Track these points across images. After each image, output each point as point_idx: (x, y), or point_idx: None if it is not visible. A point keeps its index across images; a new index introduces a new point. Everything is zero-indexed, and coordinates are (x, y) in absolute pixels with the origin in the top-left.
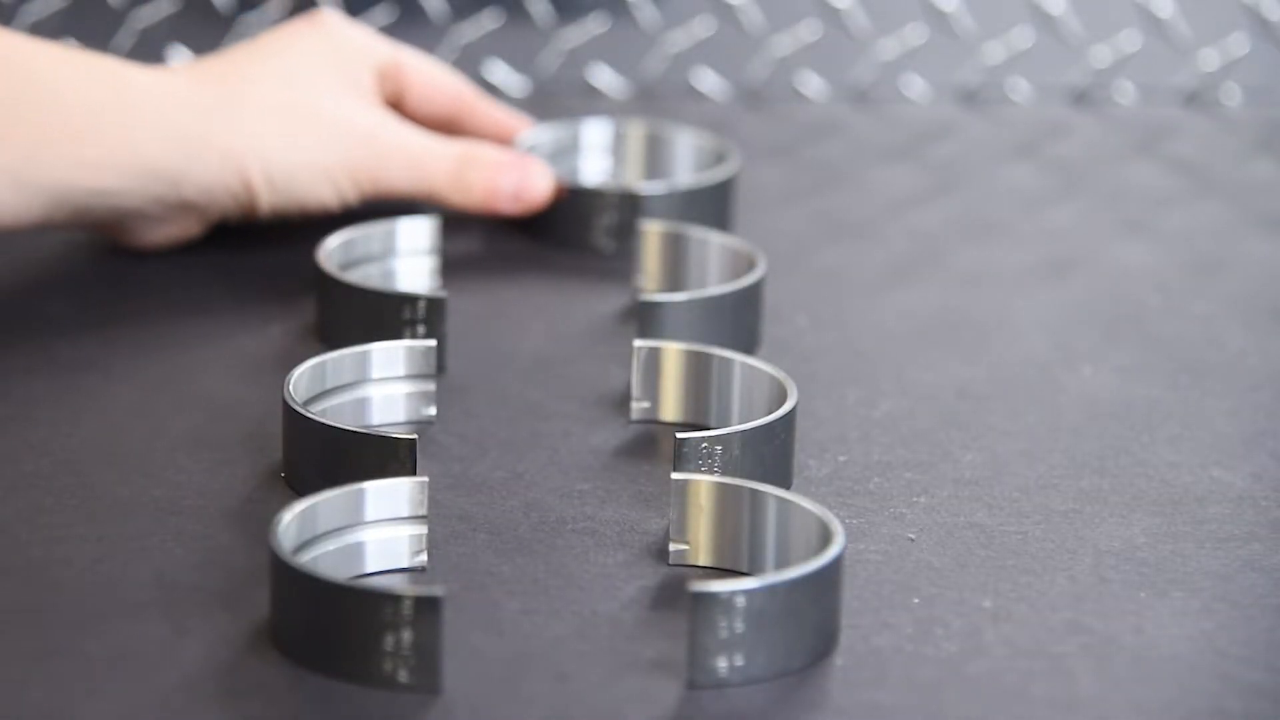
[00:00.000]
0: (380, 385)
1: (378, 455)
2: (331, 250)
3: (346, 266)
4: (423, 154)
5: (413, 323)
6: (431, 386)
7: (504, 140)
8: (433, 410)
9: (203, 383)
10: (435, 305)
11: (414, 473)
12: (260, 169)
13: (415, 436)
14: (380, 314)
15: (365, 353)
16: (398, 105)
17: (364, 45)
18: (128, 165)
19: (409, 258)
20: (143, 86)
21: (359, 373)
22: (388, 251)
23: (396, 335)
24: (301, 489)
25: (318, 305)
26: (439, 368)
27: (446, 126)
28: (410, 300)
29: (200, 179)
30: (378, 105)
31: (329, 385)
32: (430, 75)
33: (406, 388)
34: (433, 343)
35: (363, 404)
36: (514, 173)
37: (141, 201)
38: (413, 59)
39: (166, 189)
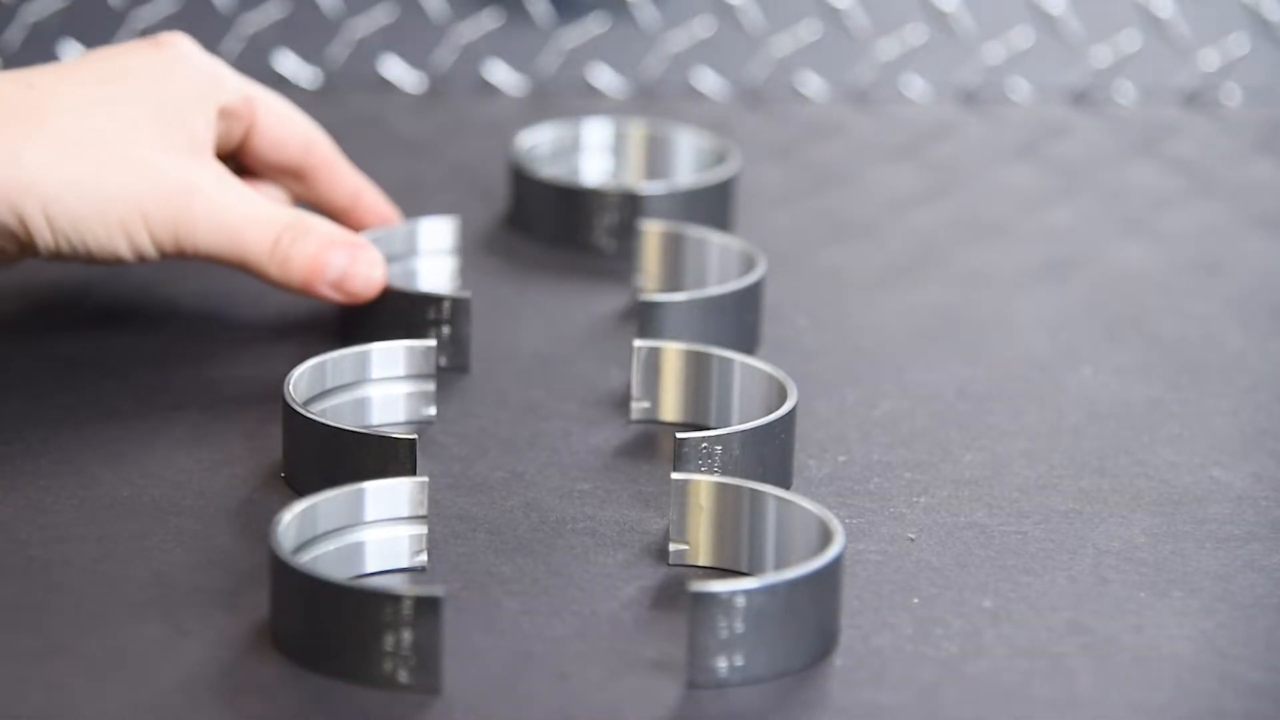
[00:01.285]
0: (380, 385)
1: (378, 455)
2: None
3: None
4: (239, 218)
5: (437, 323)
6: (431, 386)
7: (353, 214)
8: (433, 410)
9: (207, 381)
10: (460, 305)
11: (414, 473)
12: (39, 210)
13: (415, 436)
14: (405, 314)
15: (365, 353)
16: (241, 149)
17: (207, 78)
18: None
19: (430, 257)
20: None
21: (359, 373)
22: (409, 251)
23: (422, 335)
24: (301, 489)
25: (340, 306)
26: (463, 368)
27: (293, 181)
28: (435, 300)
29: None
30: (202, 153)
31: (329, 385)
32: (283, 120)
33: (406, 388)
34: (433, 343)
35: (363, 404)
36: (342, 255)
37: None
38: (266, 97)
39: None
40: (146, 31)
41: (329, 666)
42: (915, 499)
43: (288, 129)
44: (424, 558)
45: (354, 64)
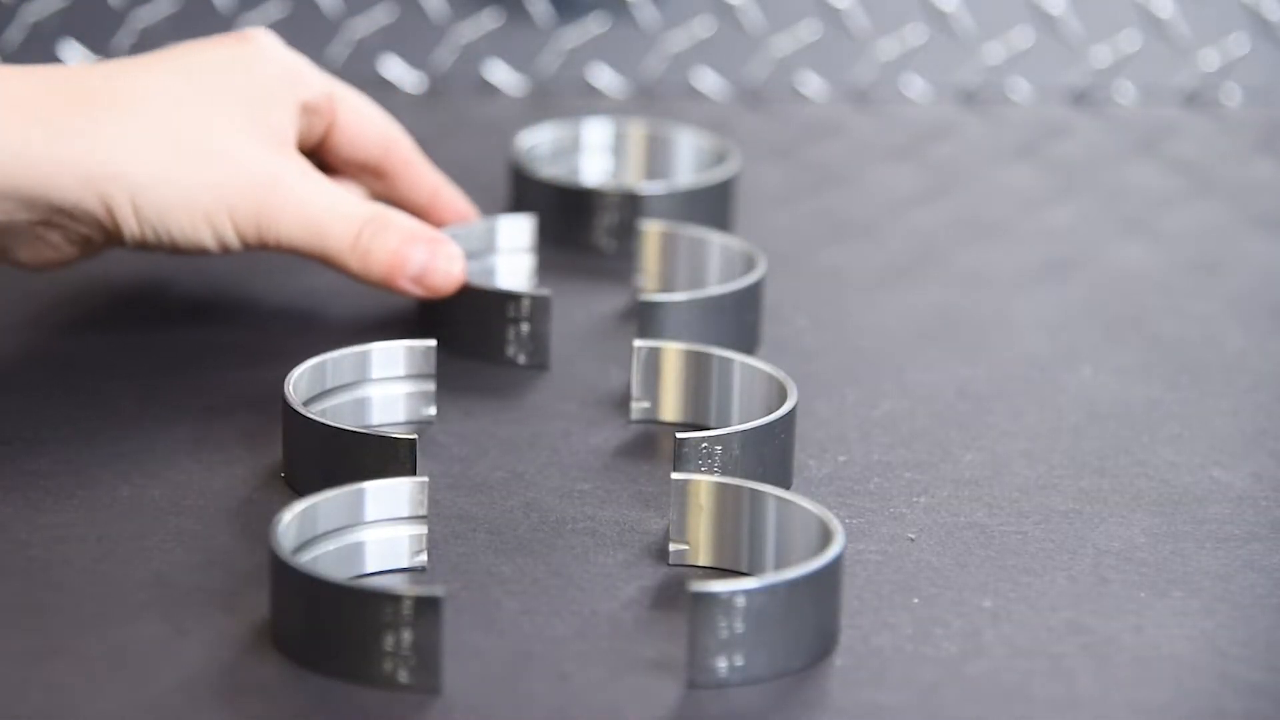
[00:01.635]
0: (380, 385)
1: (378, 455)
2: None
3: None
4: (322, 211)
5: (516, 320)
6: (431, 386)
7: (431, 212)
8: (433, 410)
9: (207, 381)
10: (540, 303)
11: (414, 473)
12: (127, 198)
13: (415, 436)
14: (483, 311)
15: (365, 353)
16: (322, 145)
17: (290, 74)
18: None
19: (508, 255)
20: None
21: (359, 373)
22: (487, 249)
23: (501, 333)
24: (301, 489)
25: (420, 303)
26: (543, 365)
27: (372, 179)
28: (514, 298)
29: (56, 202)
30: (285, 146)
31: (329, 385)
32: (364, 118)
33: (406, 388)
34: (432, 343)
35: (363, 404)
36: (423, 250)
37: None
38: (348, 94)
39: (19, 210)
40: (147, 32)
41: (329, 666)
42: (915, 499)
43: (369, 127)
44: (424, 558)
45: (354, 64)
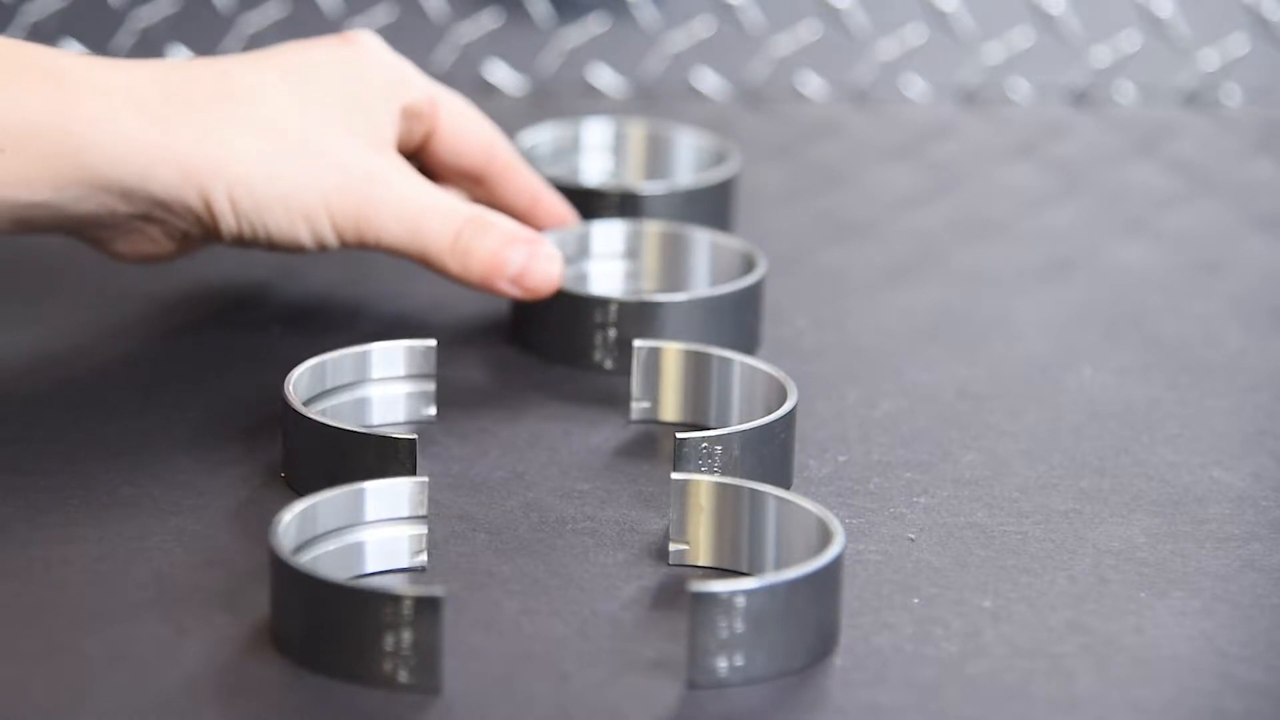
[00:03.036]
0: (380, 385)
1: (378, 455)
2: None
3: None
4: (422, 211)
5: (604, 326)
6: (431, 386)
7: (531, 217)
8: (433, 410)
9: (207, 381)
10: (627, 309)
11: (414, 473)
12: (225, 193)
13: (415, 436)
14: (574, 316)
15: (365, 352)
16: (423, 149)
17: (395, 77)
18: (67, 177)
19: (602, 261)
20: (92, 86)
21: (359, 373)
22: (581, 254)
23: (588, 338)
24: (301, 489)
25: (513, 305)
26: (627, 371)
27: (472, 184)
28: (603, 303)
29: (156, 194)
30: (387, 147)
31: (329, 385)
32: (466, 123)
33: (407, 388)
34: (432, 342)
35: (362, 404)
36: (522, 251)
37: (94, 212)
38: (451, 100)
39: (118, 202)
40: (146, 31)
41: (329, 666)
42: (915, 499)
43: (470, 133)
44: (424, 558)
45: None
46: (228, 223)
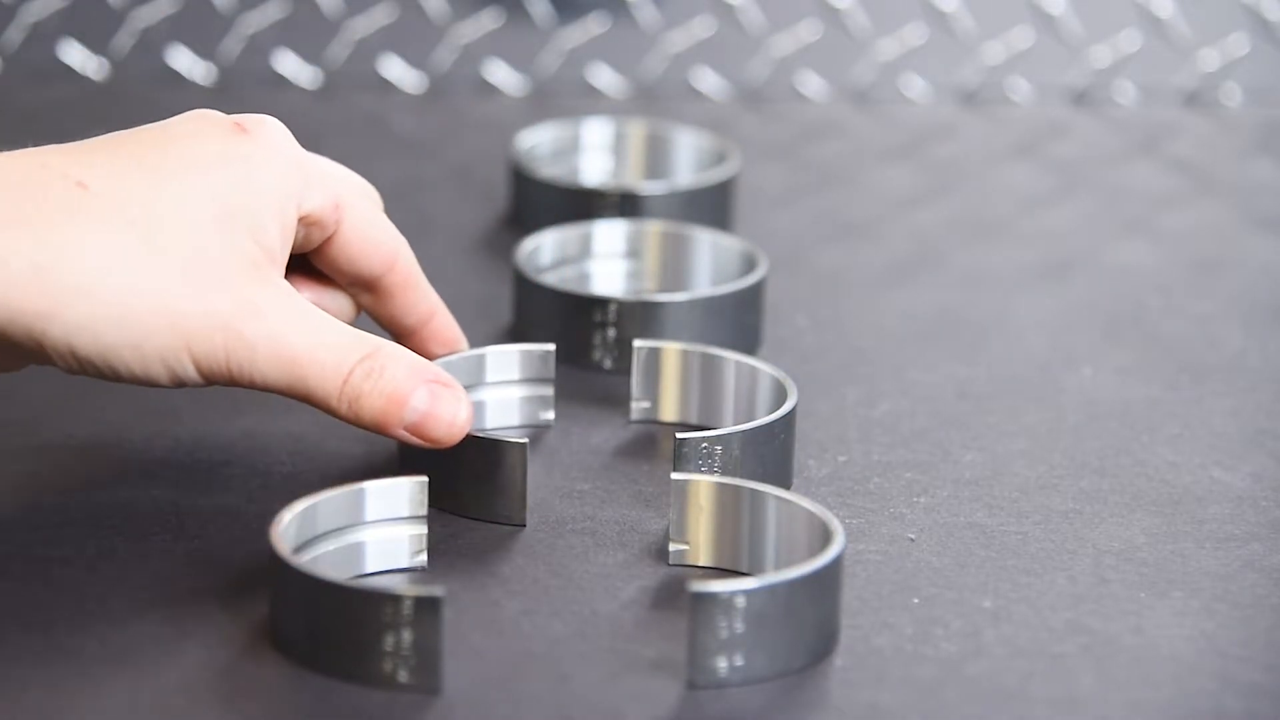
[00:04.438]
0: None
1: (489, 460)
2: (529, 252)
3: (545, 269)
4: (302, 354)
5: (604, 325)
6: (549, 391)
7: (418, 338)
8: (551, 415)
9: None
10: (627, 309)
11: (524, 480)
12: (62, 339)
13: (526, 440)
14: (574, 316)
15: (481, 356)
16: (317, 253)
17: (294, 181)
18: None
19: (603, 261)
20: None
21: (475, 376)
22: (582, 254)
23: (588, 337)
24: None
25: (515, 305)
26: (627, 371)
27: (363, 292)
28: (603, 303)
29: None
30: (269, 267)
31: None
32: (370, 230)
33: (523, 391)
34: (551, 347)
35: (482, 407)
36: (422, 397)
37: None
38: (356, 203)
39: None
40: (146, 31)
41: (329, 666)
42: (915, 499)
43: (373, 243)
44: (424, 558)
45: (354, 64)
46: (66, 364)
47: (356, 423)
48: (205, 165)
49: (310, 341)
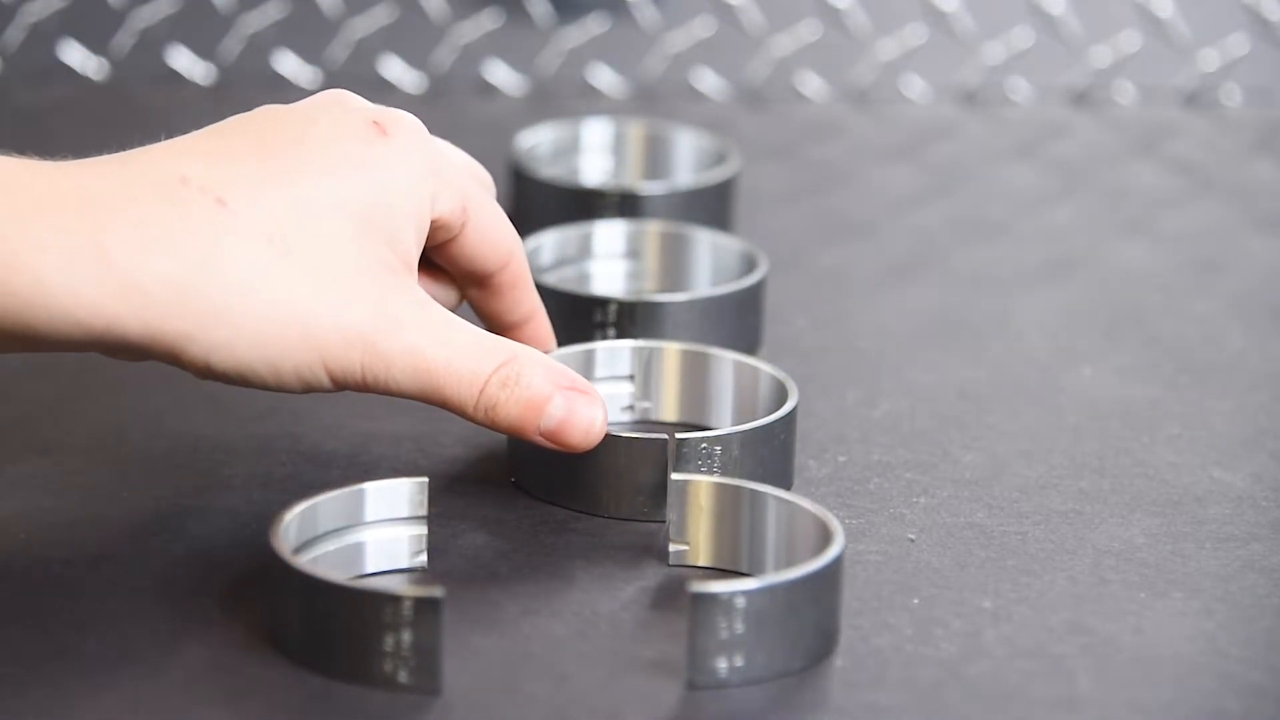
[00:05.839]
0: None
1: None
2: (529, 253)
3: (545, 269)
4: (438, 367)
5: (604, 325)
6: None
7: (513, 332)
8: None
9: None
10: (626, 309)
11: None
12: (200, 357)
13: (665, 438)
14: (574, 316)
15: (590, 351)
16: (437, 250)
17: (430, 186)
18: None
19: (603, 261)
20: (38, 202)
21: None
22: (582, 254)
23: (588, 338)
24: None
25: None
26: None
27: (472, 286)
28: (603, 303)
29: (117, 346)
30: (403, 274)
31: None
32: (491, 232)
33: None
34: (658, 344)
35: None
36: (559, 404)
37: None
38: (483, 206)
39: (72, 345)
40: (147, 32)
41: (329, 666)
42: (915, 499)
43: (491, 243)
44: (424, 558)
45: (354, 64)
46: (199, 375)
47: (493, 429)
48: (343, 171)
49: (446, 352)
